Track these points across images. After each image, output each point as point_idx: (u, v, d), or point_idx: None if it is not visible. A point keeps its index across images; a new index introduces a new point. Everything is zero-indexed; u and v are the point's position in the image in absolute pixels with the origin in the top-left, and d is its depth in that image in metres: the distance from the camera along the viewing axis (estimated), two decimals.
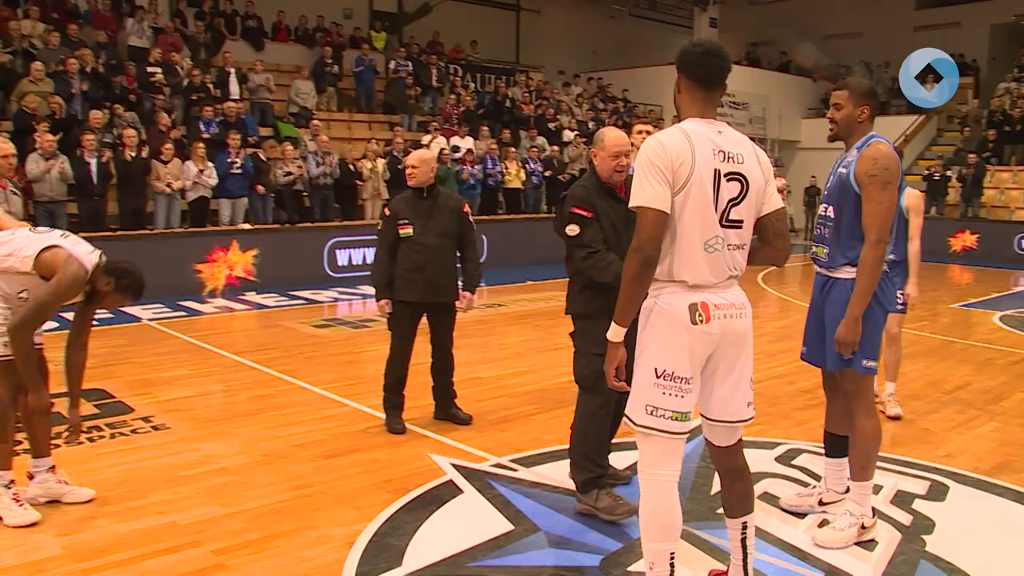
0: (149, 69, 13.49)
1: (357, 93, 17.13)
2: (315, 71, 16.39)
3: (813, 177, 20.93)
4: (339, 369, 7.38)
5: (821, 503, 4.23)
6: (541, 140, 17.02)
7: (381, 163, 13.75)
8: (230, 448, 5.12)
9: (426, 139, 15.15)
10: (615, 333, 2.91)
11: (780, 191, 3.16)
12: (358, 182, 13.63)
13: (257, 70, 15.22)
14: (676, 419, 2.89)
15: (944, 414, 6.09)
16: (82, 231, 10.88)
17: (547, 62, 23.48)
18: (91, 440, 5.21)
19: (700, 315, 2.87)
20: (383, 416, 5.59)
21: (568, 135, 18.17)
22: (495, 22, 23.64)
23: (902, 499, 4.44)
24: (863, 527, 3.86)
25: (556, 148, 17.15)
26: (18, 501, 4.03)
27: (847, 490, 4.06)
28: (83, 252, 3.99)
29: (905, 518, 4.20)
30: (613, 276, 3.80)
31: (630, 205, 2.90)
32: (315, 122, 14.24)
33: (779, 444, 5.33)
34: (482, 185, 15.20)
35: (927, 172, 18.83)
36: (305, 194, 13.13)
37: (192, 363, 7.44)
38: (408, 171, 5.46)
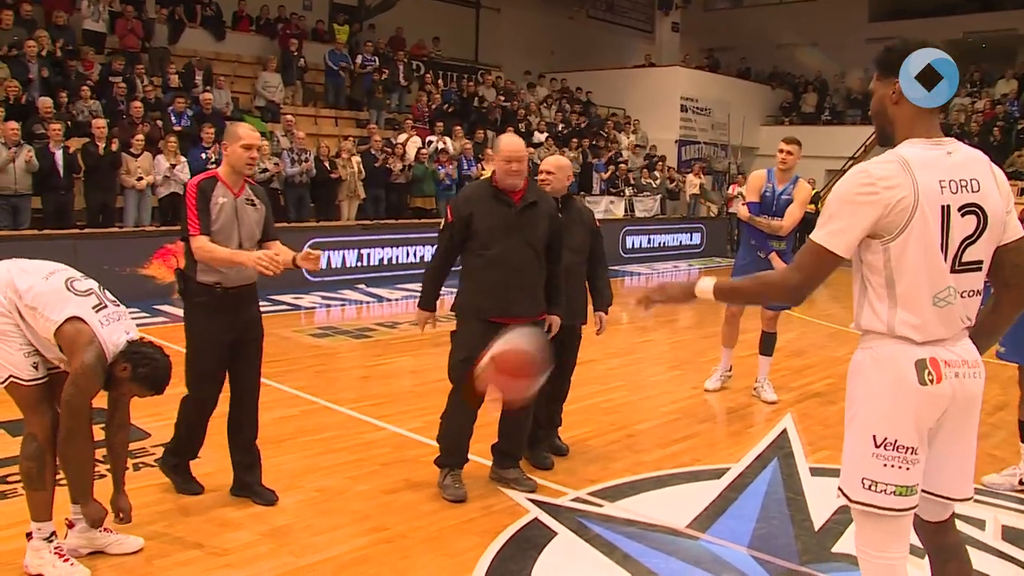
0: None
1: (326, 87, 16.41)
2: (283, 63, 15.63)
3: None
4: (357, 385, 6.82)
5: (1022, 482, 4.73)
6: None
7: (356, 161, 13.10)
8: (276, 482, 4.52)
9: (402, 138, 14.56)
10: (703, 292, 2.60)
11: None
12: (334, 175, 12.85)
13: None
14: (900, 494, 2.41)
15: None
16: (47, 227, 10.08)
17: (505, 61, 23.02)
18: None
19: (931, 374, 2.37)
20: (430, 442, 5.06)
21: (539, 136, 17.75)
22: (455, 19, 23.07)
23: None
24: None
25: (532, 149, 16.71)
26: (63, 556, 3.43)
27: None
28: (110, 333, 3.40)
29: None
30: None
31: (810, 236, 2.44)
32: (288, 117, 13.54)
33: None
34: (458, 186, 14.70)
35: None
36: (280, 192, 12.41)
37: None
38: (542, 177, 4.81)
